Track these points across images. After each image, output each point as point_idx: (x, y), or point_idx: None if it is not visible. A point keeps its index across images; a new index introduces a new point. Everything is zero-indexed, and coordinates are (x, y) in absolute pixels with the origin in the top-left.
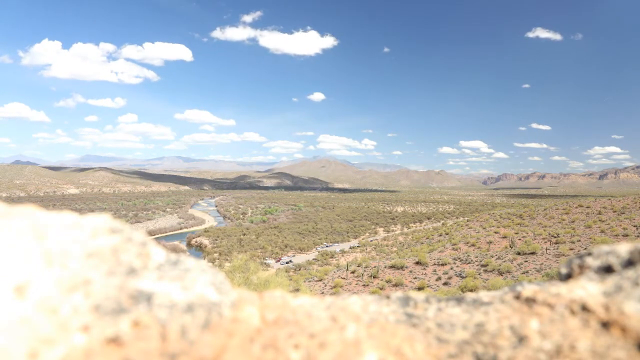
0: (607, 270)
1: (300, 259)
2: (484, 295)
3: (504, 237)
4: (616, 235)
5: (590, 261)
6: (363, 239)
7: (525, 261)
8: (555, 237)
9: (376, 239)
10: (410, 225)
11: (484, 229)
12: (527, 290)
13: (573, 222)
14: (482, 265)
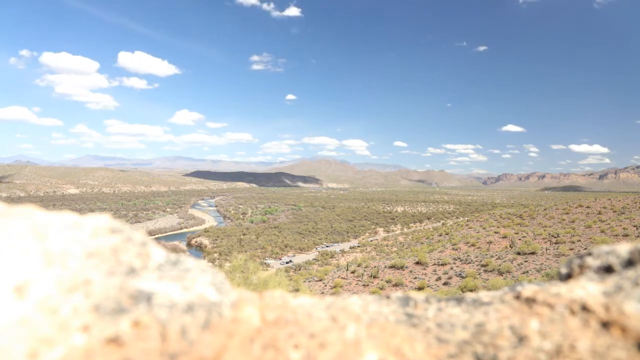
0: (607, 270)
1: (300, 259)
2: (484, 295)
3: (504, 237)
4: (616, 235)
5: (590, 261)
6: (363, 239)
7: (525, 261)
8: (555, 237)
9: (376, 239)
10: (410, 225)
11: (484, 229)
12: (527, 290)
13: (573, 222)
14: (482, 265)
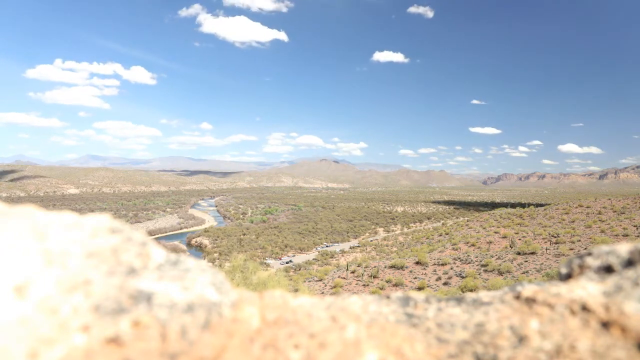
0: (607, 270)
1: (300, 259)
2: (484, 295)
3: (504, 237)
4: (616, 235)
5: (590, 261)
6: (363, 239)
7: (525, 261)
8: (555, 237)
9: (376, 239)
10: (410, 225)
11: (484, 229)
12: (527, 290)
13: (573, 222)
14: (482, 265)
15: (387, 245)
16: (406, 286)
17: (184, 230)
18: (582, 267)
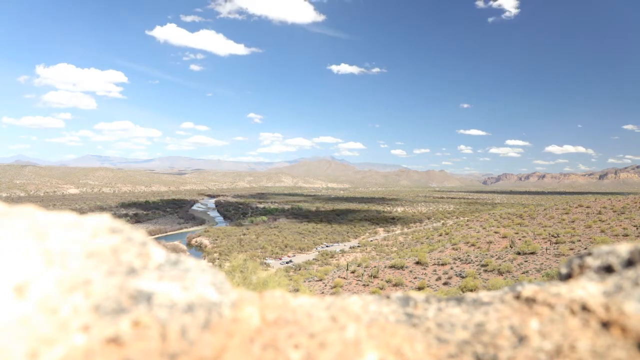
0: (607, 270)
1: (300, 259)
2: (484, 295)
3: (504, 237)
4: (616, 235)
5: (590, 261)
6: (363, 239)
7: (525, 261)
8: (555, 237)
9: (376, 239)
10: (411, 225)
11: (484, 229)
12: (527, 290)
13: (573, 222)
14: (482, 265)
15: (387, 245)
16: (406, 286)
17: (184, 230)
18: (582, 267)
